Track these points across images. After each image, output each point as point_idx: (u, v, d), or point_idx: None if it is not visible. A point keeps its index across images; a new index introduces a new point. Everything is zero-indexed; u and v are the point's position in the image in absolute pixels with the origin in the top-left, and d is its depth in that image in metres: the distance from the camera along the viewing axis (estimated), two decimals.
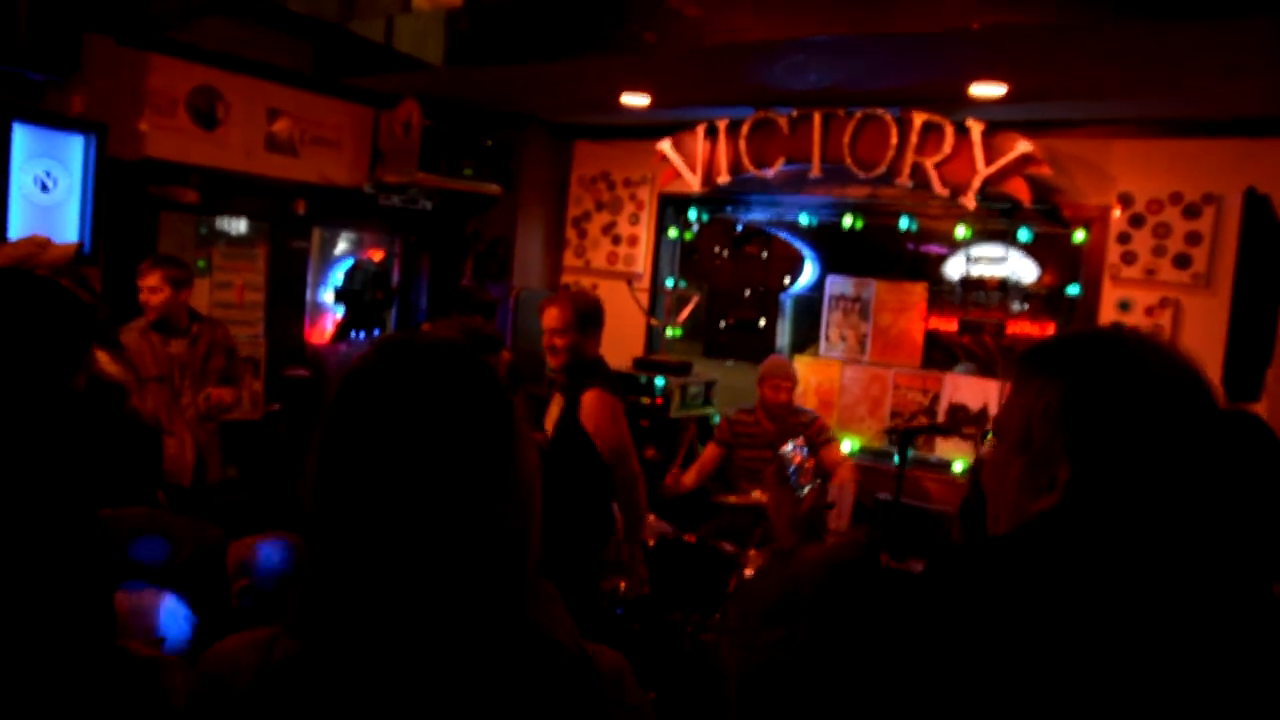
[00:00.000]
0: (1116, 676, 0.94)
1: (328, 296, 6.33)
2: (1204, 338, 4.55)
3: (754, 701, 1.28)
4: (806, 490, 1.72)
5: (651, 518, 4.65)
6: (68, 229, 4.26)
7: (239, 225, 6.25)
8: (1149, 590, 0.98)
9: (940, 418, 5.08)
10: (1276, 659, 0.97)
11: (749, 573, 4.12)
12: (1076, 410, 1.05)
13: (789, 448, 1.77)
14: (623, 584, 4.13)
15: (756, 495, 4.30)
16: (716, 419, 5.49)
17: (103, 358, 3.58)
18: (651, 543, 4.18)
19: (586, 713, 0.95)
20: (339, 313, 6.26)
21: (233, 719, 0.92)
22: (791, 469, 1.74)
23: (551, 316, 3.74)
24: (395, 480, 0.92)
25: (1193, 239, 4.62)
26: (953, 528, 3.26)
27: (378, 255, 6.61)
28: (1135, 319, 4.75)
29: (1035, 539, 1.04)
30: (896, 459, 3.16)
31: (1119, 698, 0.94)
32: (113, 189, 4.46)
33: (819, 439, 4.89)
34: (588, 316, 3.77)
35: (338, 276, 6.44)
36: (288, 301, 5.81)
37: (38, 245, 3.53)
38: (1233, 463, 1.50)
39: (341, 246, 7.03)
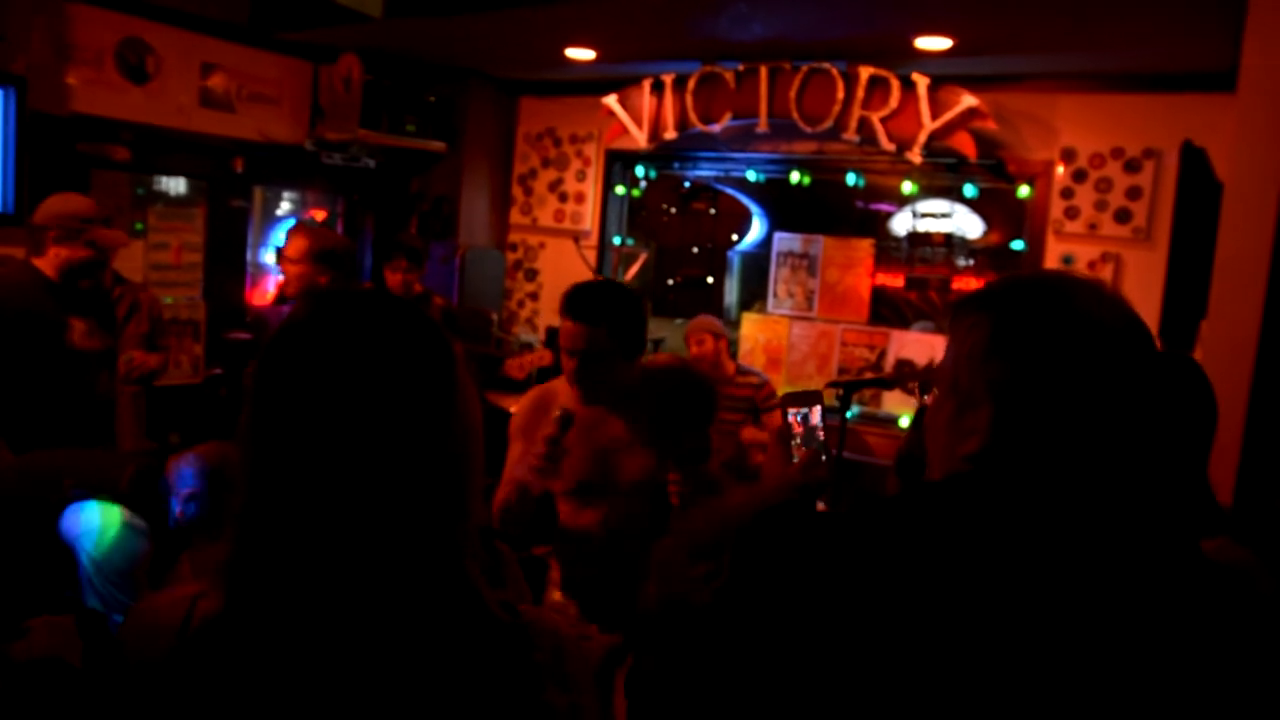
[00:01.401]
0: (1028, 628, 0.92)
1: (269, 257, 6.20)
2: (1144, 291, 4.61)
3: (668, 633, 1.26)
4: (798, 457, 1.74)
5: None
6: None
7: (177, 185, 6.09)
8: (1067, 539, 0.96)
9: (887, 373, 5.12)
10: (1197, 616, 0.95)
11: None
12: (999, 349, 1.02)
13: (794, 415, 1.80)
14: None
15: None
16: None
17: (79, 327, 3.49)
18: None
19: (514, 679, 0.91)
20: (281, 274, 6.14)
21: (153, 682, 0.89)
22: (795, 436, 1.77)
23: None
24: (326, 430, 0.89)
25: (1133, 193, 4.66)
26: (889, 480, 3.27)
27: (320, 215, 6.48)
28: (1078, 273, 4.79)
29: (956, 484, 1.02)
30: (844, 412, 3.16)
31: (1029, 649, 0.91)
32: (39, 146, 4.31)
33: (765, 404, 4.89)
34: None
35: (280, 237, 6.31)
36: (228, 263, 5.69)
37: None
38: (1166, 406, 1.48)
39: (284, 207, 6.90)
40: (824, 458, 1.73)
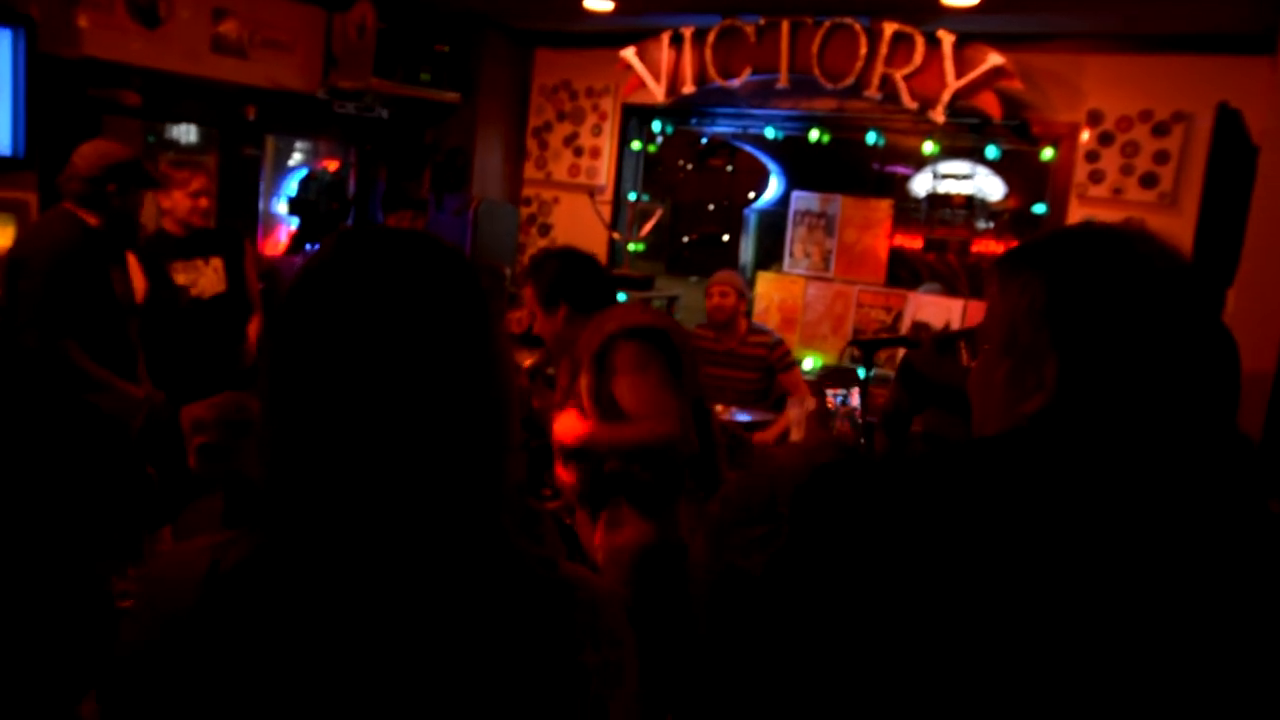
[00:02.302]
0: (1105, 582, 0.90)
1: (281, 207, 6.15)
2: None
3: (724, 599, 1.23)
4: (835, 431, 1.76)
5: None
6: None
7: (189, 133, 6.03)
8: (1143, 491, 0.94)
9: (908, 333, 5.07)
10: (1270, 571, 0.93)
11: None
12: (1063, 302, 0.99)
13: (834, 397, 1.82)
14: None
15: (719, 410, 4.28)
16: None
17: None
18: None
19: (553, 637, 0.88)
20: (293, 224, 6.09)
21: (178, 628, 0.86)
22: (833, 415, 1.78)
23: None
24: (359, 373, 0.85)
25: (1161, 158, 4.58)
26: (875, 436, 3.24)
27: (333, 165, 6.42)
28: None
29: (1027, 439, 1.00)
30: (861, 373, 3.13)
31: (1106, 602, 0.90)
32: (50, 89, 4.25)
33: (780, 364, 4.84)
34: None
35: (292, 186, 6.25)
36: (240, 212, 5.64)
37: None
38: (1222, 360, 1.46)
39: (296, 157, 6.83)
40: (861, 440, 1.71)
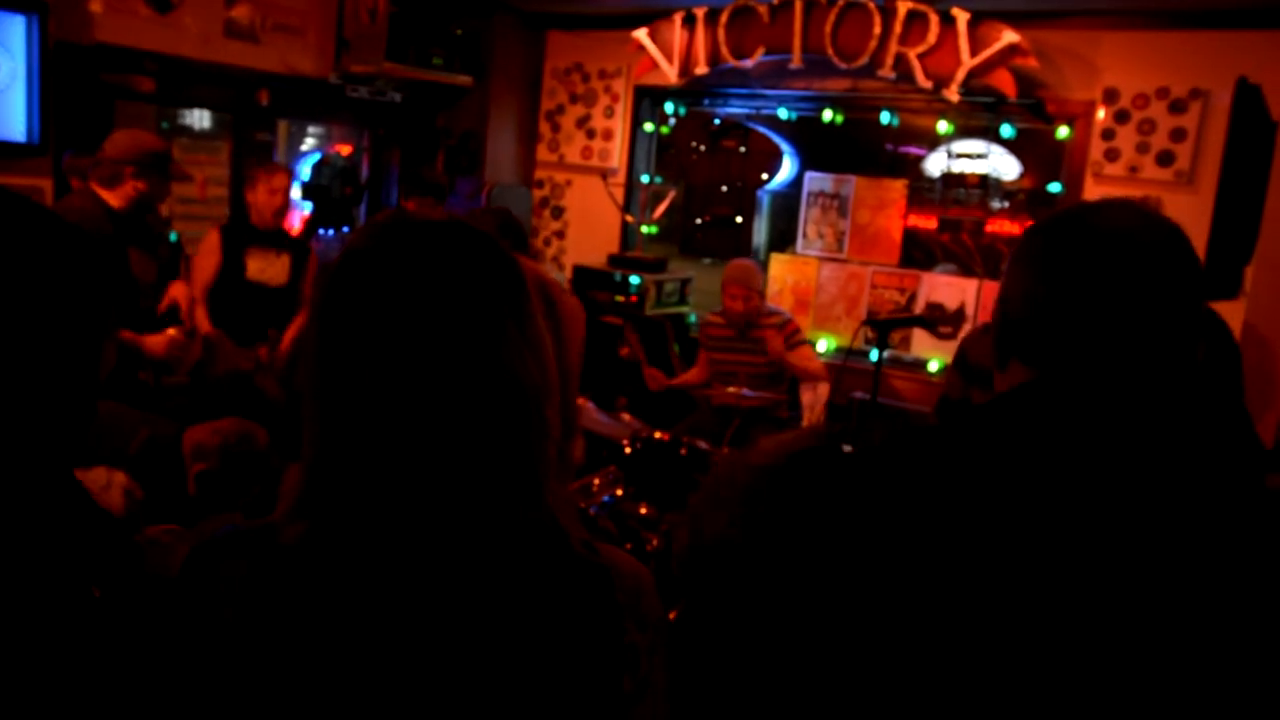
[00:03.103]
0: (1081, 556, 0.88)
1: (295, 192, 6.16)
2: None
3: (699, 576, 1.24)
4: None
5: (626, 416, 4.62)
6: (13, 117, 4.07)
7: (202, 119, 6.04)
8: (1127, 466, 0.91)
9: (920, 313, 5.04)
10: (1267, 544, 0.91)
11: None
12: (1037, 273, 1.00)
13: None
14: (596, 481, 4.12)
15: (732, 391, 4.28)
16: (692, 317, 5.44)
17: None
18: (626, 442, 4.16)
19: (597, 619, 0.90)
20: (306, 209, 6.10)
21: (231, 605, 0.87)
22: None
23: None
24: (401, 358, 0.87)
25: (1178, 135, 4.53)
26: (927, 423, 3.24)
27: (346, 149, 6.42)
28: None
29: (1007, 409, 0.98)
30: (874, 353, 3.11)
31: (1085, 575, 0.88)
32: (64, 76, 4.26)
33: (791, 341, 4.84)
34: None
35: (305, 171, 6.27)
36: None
37: None
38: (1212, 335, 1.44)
39: (309, 141, 6.84)
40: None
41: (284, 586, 0.87)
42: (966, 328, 4.93)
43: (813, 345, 5.16)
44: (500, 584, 0.87)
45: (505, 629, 0.86)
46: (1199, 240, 4.23)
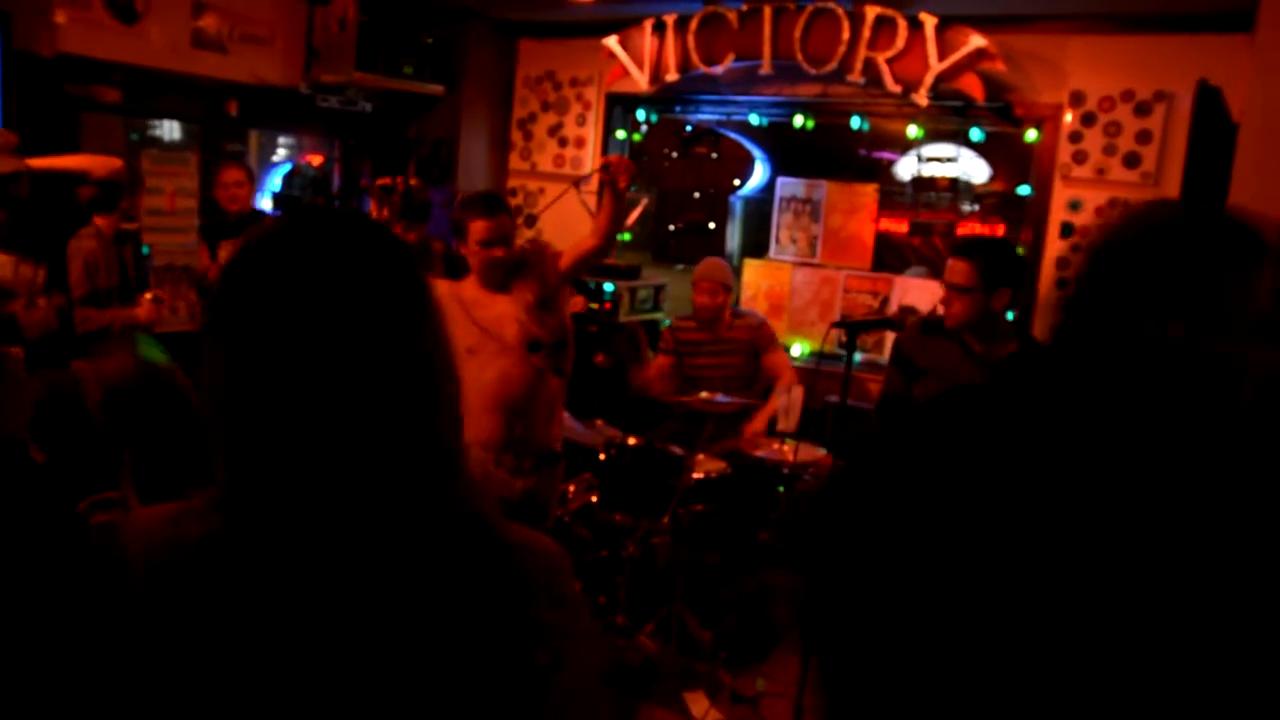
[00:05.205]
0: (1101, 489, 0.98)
1: (266, 203, 6.13)
2: None
3: (811, 523, 1.33)
4: None
5: (600, 422, 4.62)
6: None
7: (171, 130, 5.99)
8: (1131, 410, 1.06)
9: (893, 314, 5.06)
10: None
11: (696, 475, 4.11)
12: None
13: None
14: (571, 488, 4.11)
15: (704, 397, 4.28)
16: (667, 323, 5.43)
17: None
18: (600, 449, 4.15)
19: (506, 597, 0.91)
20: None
21: (142, 595, 0.88)
22: None
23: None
24: (300, 345, 0.88)
25: (1143, 138, 4.58)
26: (872, 422, 3.25)
27: (317, 160, 6.40)
28: (1085, 219, 4.73)
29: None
30: (856, 358, 3.13)
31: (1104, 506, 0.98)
32: (26, 86, 4.22)
33: (763, 344, 4.85)
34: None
35: (276, 182, 6.24)
36: None
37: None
38: None
39: (280, 152, 6.81)
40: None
41: (196, 575, 0.87)
42: None
43: (786, 350, 5.17)
44: (410, 565, 0.88)
45: (413, 608, 0.88)
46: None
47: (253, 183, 4.95)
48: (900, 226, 5.66)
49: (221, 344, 0.90)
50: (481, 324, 3.30)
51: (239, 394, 0.90)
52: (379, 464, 0.88)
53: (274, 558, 0.87)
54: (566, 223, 6.07)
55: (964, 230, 5.63)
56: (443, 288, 3.34)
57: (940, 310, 3.14)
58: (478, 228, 3.29)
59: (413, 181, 4.86)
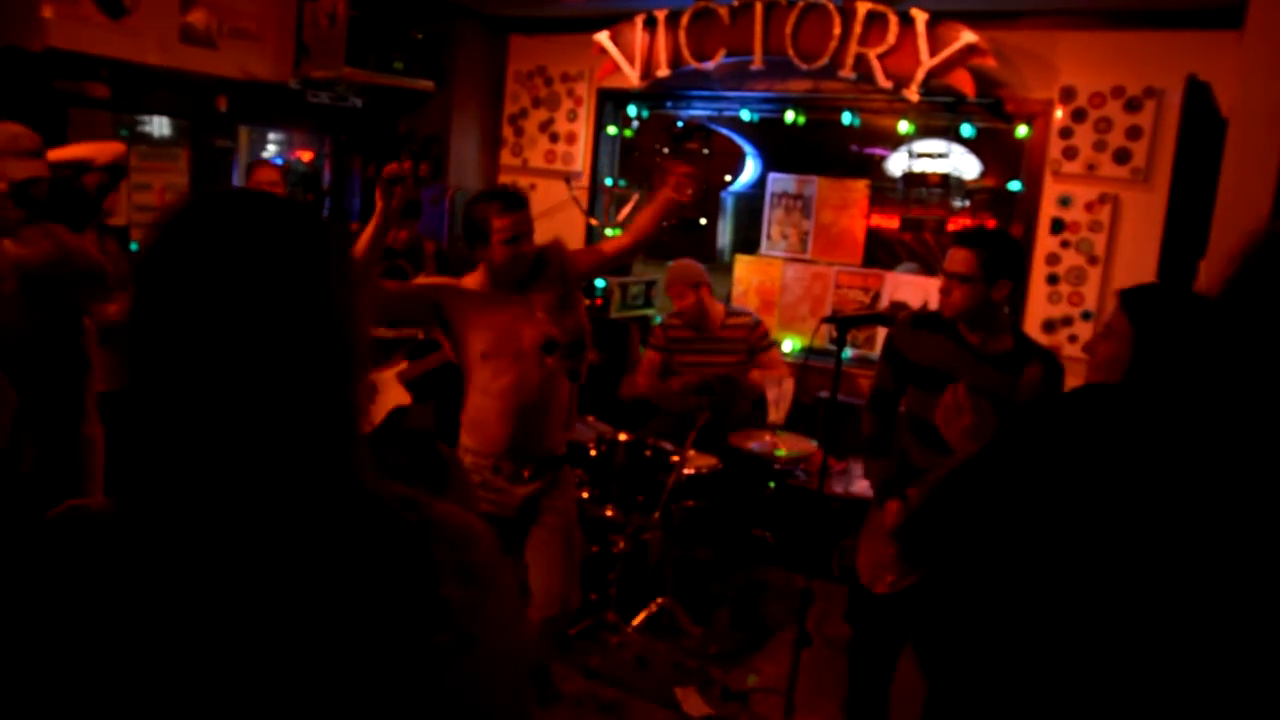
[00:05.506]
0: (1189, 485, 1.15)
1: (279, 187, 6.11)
2: (1142, 232, 4.57)
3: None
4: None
5: (590, 418, 4.62)
6: None
7: (161, 126, 5.96)
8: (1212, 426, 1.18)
9: (883, 309, 5.07)
10: None
11: (687, 471, 4.12)
12: None
13: None
14: None
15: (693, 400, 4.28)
16: (658, 319, 5.44)
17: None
18: (591, 444, 4.15)
19: (404, 575, 0.89)
20: None
21: (44, 582, 0.88)
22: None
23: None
24: (203, 319, 0.87)
25: (1133, 133, 4.59)
26: (863, 417, 3.24)
27: (307, 156, 6.38)
28: (1075, 215, 4.74)
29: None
30: (846, 353, 3.13)
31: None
32: (14, 81, 4.20)
33: (760, 344, 4.85)
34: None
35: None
36: None
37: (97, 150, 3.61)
38: None
39: (270, 148, 6.78)
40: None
41: (92, 561, 0.87)
42: None
43: (779, 346, 5.17)
44: (300, 547, 0.88)
45: (301, 590, 0.87)
46: (1154, 236, 4.31)
47: (286, 184, 4.79)
48: (891, 222, 5.66)
49: (130, 321, 0.91)
50: (497, 327, 3.14)
51: (140, 371, 0.89)
52: (275, 444, 0.88)
53: (158, 540, 0.87)
54: (556, 217, 6.06)
55: (955, 226, 5.63)
56: (468, 283, 3.21)
57: (932, 304, 3.13)
58: (502, 224, 3.10)
59: (422, 169, 4.85)
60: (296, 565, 0.87)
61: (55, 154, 3.50)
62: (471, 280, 3.24)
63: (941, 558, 1.43)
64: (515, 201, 3.14)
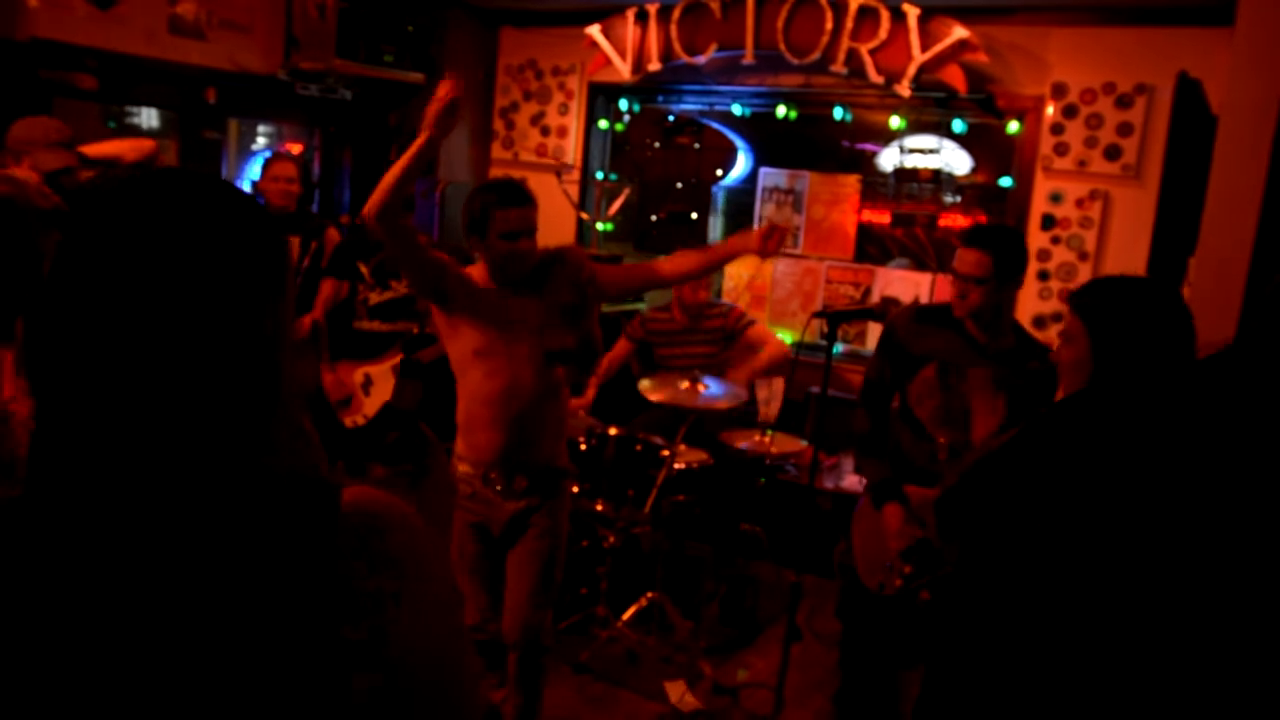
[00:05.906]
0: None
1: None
2: (1132, 229, 4.57)
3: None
4: None
5: (581, 412, 4.61)
6: None
7: (149, 117, 5.93)
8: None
9: (874, 304, 5.06)
10: None
11: (678, 466, 4.11)
12: None
13: None
14: None
15: (684, 389, 4.27)
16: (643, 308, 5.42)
17: None
18: (581, 439, 4.14)
19: (312, 566, 0.86)
20: None
21: None
22: None
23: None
24: (117, 309, 0.84)
25: (1124, 130, 4.59)
26: (856, 411, 3.22)
27: (297, 148, 6.34)
28: (1066, 211, 4.75)
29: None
30: (836, 349, 3.11)
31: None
32: None
33: (738, 326, 4.80)
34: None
35: (255, 170, 6.17)
36: None
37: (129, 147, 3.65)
38: None
39: (260, 140, 6.75)
40: None
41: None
42: None
43: (759, 323, 5.16)
44: (192, 533, 0.85)
45: (196, 582, 0.84)
46: (1145, 232, 4.31)
47: (300, 178, 4.75)
48: (882, 218, 5.66)
49: (45, 309, 0.88)
50: (493, 325, 2.96)
51: (47, 345, 0.87)
52: (180, 429, 0.86)
53: (49, 527, 0.85)
54: (547, 211, 6.04)
55: (947, 221, 5.63)
56: (473, 275, 3.04)
57: (923, 299, 3.12)
58: (507, 217, 2.92)
59: None
60: (184, 554, 0.84)
61: (87, 149, 3.51)
62: (474, 272, 3.08)
63: (973, 536, 1.48)
64: (516, 196, 2.97)
